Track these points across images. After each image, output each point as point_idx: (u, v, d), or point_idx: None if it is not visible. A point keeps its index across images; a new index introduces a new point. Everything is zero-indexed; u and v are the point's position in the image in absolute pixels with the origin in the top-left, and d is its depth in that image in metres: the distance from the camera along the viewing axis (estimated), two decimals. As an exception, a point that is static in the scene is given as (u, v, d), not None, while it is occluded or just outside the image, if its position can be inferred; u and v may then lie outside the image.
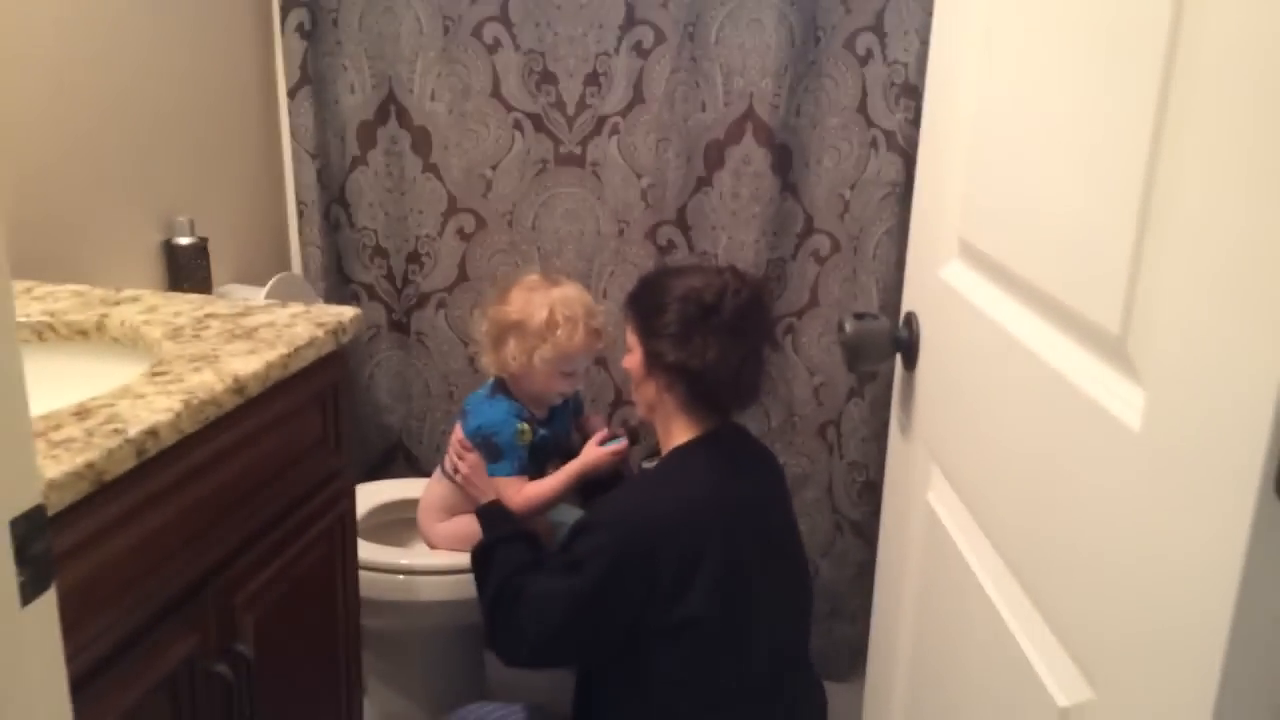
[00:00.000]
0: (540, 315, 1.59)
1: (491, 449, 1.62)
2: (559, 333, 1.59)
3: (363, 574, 1.70)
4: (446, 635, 1.90)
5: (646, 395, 1.46)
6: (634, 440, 1.68)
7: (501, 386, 1.69)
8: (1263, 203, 0.49)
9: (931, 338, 1.06)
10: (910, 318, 1.11)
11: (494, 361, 1.66)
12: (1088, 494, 0.67)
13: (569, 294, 1.64)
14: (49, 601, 0.58)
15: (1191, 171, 0.56)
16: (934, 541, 1.02)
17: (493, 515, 1.59)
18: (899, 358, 1.14)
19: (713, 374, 1.37)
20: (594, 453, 1.60)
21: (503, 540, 1.52)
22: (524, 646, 1.38)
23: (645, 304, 1.43)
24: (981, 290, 0.90)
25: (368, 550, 1.75)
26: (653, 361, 1.41)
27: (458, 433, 1.70)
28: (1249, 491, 0.49)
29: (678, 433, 1.43)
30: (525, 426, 1.64)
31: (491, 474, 1.61)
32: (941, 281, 1.01)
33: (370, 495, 1.98)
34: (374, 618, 1.78)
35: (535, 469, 1.68)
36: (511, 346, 1.61)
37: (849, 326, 1.10)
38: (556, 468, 1.66)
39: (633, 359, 1.46)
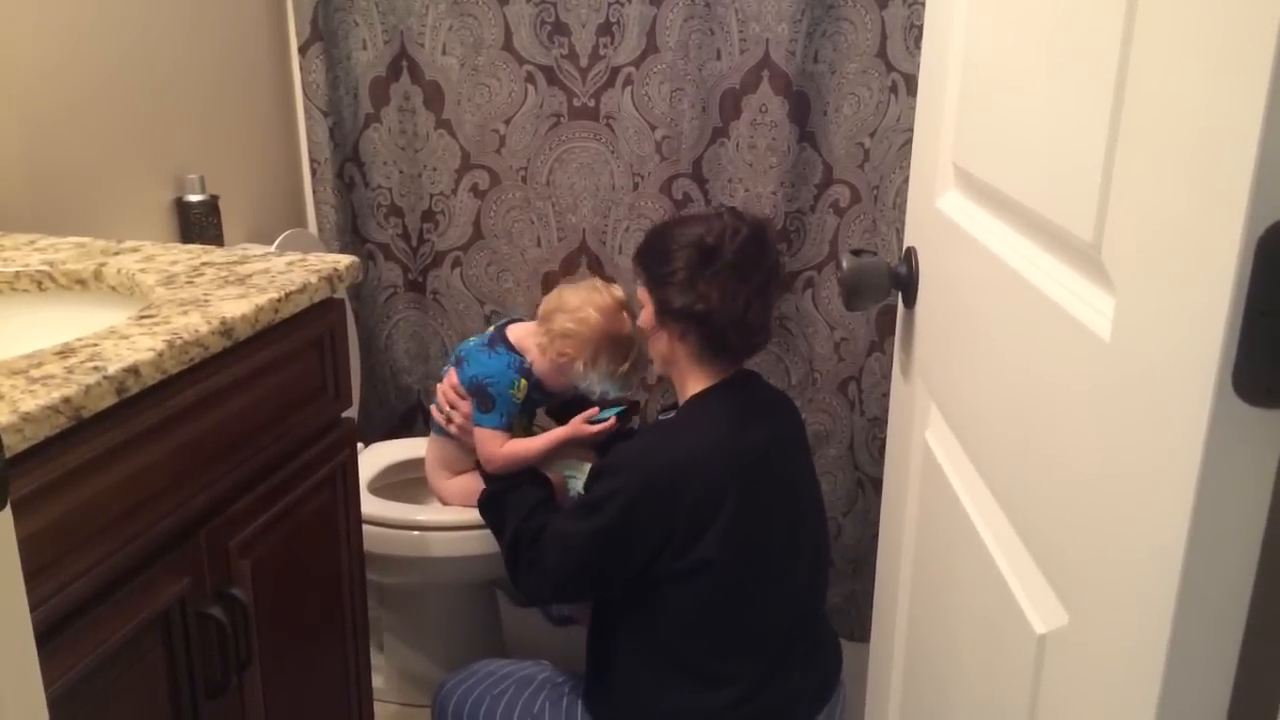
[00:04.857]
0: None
1: (485, 398, 1.60)
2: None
3: (377, 531, 1.71)
4: (461, 591, 1.90)
5: (660, 348, 1.46)
6: (631, 413, 1.66)
7: (501, 337, 1.67)
8: (1222, 102, 0.45)
9: (929, 271, 1.02)
10: (910, 253, 1.07)
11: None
12: (1062, 412, 0.63)
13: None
14: (4, 521, 0.57)
15: (1159, 65, 0.52)
16: (930, 481, 0.99)
17: None
18: (900, 298, 1.10)
19: (720, 316, 1.37)
20: (580, 427, 1.59)
21: (512, 486, 1.54)
22: (546, 586, 1.43)
23: (651, 256, 1.44)
24: (973, 216, 0.87)
25: (382, 507, 1.76)
26: (662, 310, 1.41)
27: (450, 378, 1.68)
28: (1207, 392, 0.46)
29: (693, 383, 1.43)
30: (523, 382, 1.63)
31: (477, 423, 1.60)
32: (938, 212, 0.97)
33: (386, 454, 1.99)
34: (389, 574, 1.80)
35: (525, 418, 1.66)
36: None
37: (846, 264, 1.07)
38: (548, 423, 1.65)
39: (645, 314, 1.46)
